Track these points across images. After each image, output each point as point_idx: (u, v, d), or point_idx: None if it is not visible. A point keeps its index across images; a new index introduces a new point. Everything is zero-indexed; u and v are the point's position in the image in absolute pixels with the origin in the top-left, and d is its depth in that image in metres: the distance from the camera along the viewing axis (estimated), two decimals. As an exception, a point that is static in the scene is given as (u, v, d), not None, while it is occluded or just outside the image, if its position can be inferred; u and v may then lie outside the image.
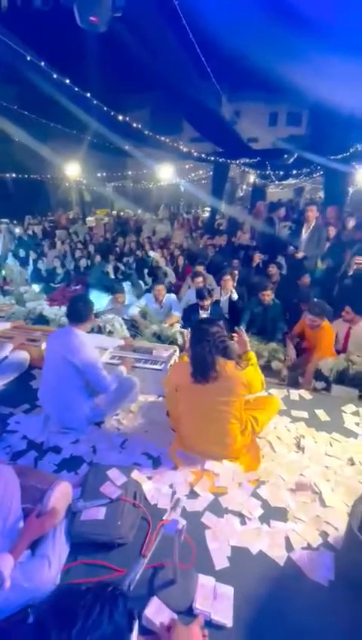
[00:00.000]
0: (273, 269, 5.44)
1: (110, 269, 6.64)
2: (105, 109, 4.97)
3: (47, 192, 17.20)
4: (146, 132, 6.46)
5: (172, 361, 2.91)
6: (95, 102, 4.64)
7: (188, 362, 2.05)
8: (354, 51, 4.15)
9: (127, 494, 1.76)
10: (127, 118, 5.59)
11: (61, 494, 1.66)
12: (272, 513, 1.79)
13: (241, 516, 1.77)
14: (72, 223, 12.55)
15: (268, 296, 4.26)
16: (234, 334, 2.29)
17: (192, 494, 1.89)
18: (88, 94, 4.41)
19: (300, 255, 5.13)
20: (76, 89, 4.23)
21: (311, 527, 1.71)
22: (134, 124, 5.94)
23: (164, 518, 1.57)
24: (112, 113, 5.19)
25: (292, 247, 5.29)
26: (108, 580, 1.41)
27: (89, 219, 15.85)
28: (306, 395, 2.84)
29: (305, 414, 2.57)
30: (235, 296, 4.78)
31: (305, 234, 5.21)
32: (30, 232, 10.72)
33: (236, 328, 2.36)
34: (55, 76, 3.88)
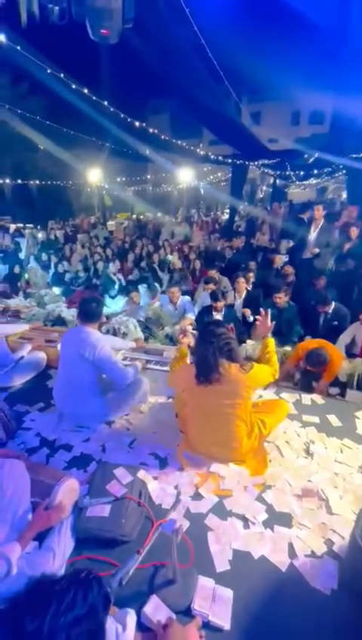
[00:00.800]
0: (289, 269, 5.37)
1: (114, 269, 6.77)
2: (122, 115, 5.09)
3: (69, 198, 17.72)
4: (163, 137, 6.53)
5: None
6: (112, 109, 4.76)
7: (193, 364, 2.07)
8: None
9: (132, 493, 1.79)
10: (144, 125, 5.70)
11: (68, 490, 1.72)
12: (277, 518, 1.76)
13: (245, 520, 1.76)
14: (94, 228, 12.85)
15: (281, 299, 4.20)
16: (258, 317, 2.29)
17: (197, 496, 1.90)
18: (105, 102, 4.53)
19: (316, 251, 5.08)
20: (94, 98, 4.36)
21: (315, 534, 1.68)
22: (151, 130, 6.04)
23: (164, 517, 1.60)
24: (129, 120, 5.30)
25: (312, 247, 5.25)
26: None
27: (110, 223, 16.19)
28: (318, 399, 2.78)
29: (316, 419, 2.52)
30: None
31: (313, 233, 5.16)
32: (52, 237, 11.08)
33: (261, 310, 2.34)
34: (74, 86, 4.02)
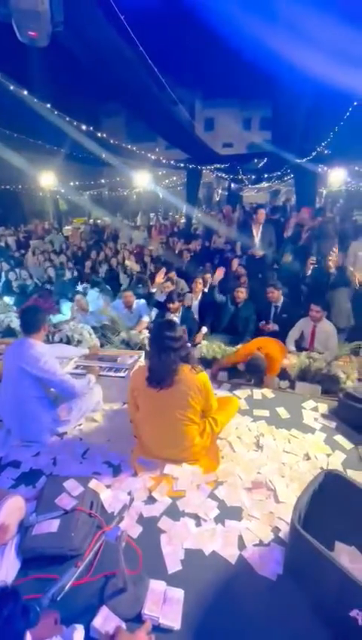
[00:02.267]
0: (241, 270, 5.55)
1: (70, 275, 6.63)
2: (67, 119, 4.98)
3: (21, 203, 16.97)
4: (112, 141, 6.48)
5: (136, 367, 2.92)
6: (56, 112, 4.64)
7: (145, 366, 2.06)
8: (312, 51, 4.27)
9: (83, 504, 1.75)
10: (91, 128, 5.61)
11: (12, 509, 1.64)
12: (228, 513, 1.81)
13: (197, 518, 1.78)
14: (48, 233, 12.41)
15: (242, 293, 4.33)
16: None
17: (150, 500, 1.89)
18: (48, 105, 4.41)
19: (260, 253, 5.35)
20: (35, 100, 4.22)
21: (264, 523, 1.74)
22: (99, 134, 5.97)
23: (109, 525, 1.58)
24: (75, 123, 5.20)
25: (253, 249, 5.53)
26: None
27: (66, 228, 15.72)
28: (269, 393, 2.89)
29: (266, 413, 2.62)
30: (221, 298, 4.82)
31: (256, 235, 5.45)
32: (2, 244, 10.54)
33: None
34: (12, 87, 3.87)
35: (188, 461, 2.09)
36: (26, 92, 3.95)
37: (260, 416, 2.58)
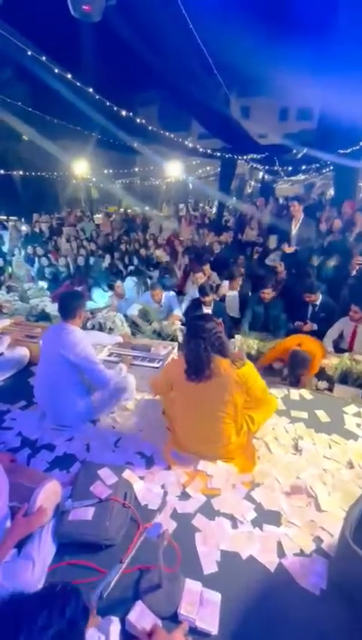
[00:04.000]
0: (279, 267, 5.35)
1: (106, 264, 6.65)
2: (108, 104, 4.92)
3: (55, 190, 17.29)
4: (151, 128, 6.38)
5: (170, 359, 2.87)
6: (98, 97, 4.59)
7: (182, 358, 2.01)
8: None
9: (117, 494, 1.73)
10: (131, 114, 5.54)
11: (49, 493, 1.64)
12: (265, 517, 1.73)
13: (233, 519, 1.72)
14: (80, 221, 12.58)
15: (268, 294, 4.17)
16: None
17: (184, 495, 1.85)
18: (91, 89, 4.36)
19: (290, 250, 5.13)
20: (79, 84, 4.18)
21: (304, 532, 1.65)
22: (138, 120, 5.88)
23: (150, 521, 1.54)
24: (115, 109, 5.13)
25: (285, 243, 5.32)
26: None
27: (97, 216, 15.88)
28: (307, 394, 2.76)
29: (304, 415, 2.50)
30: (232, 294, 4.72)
31: (294, 230, 5.21)
32: (37, 230, 10.79)
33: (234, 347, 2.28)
34: (56, 71, 3.84)
35: (223, 459, 2.03)
36: (70, 75, 3.92)
37: (298, 418, 2.47)
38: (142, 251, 7.61)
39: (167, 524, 1.67)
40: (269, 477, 1.95)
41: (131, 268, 6.21)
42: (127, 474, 1.88)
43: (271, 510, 1.77)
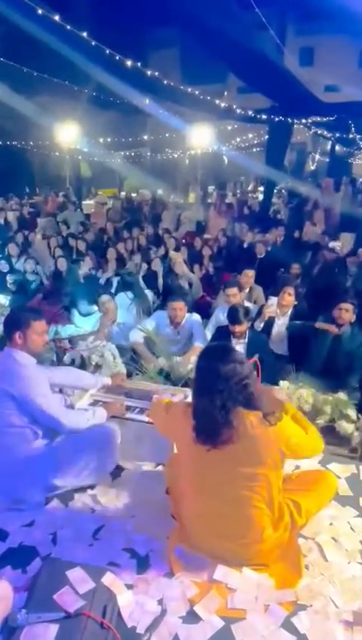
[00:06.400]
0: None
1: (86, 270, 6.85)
2: (107, 52, 5.36)
3: (28, 166, 18.25)
4: (167, 82, 6.81)
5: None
6: (94, 43, 5.03)
7: (189, 407, 2.09)
8: None
9: (92, 608, 1.79)
10: (139, 64, 5.97)
11: (-6, 599, 1.73)
12: (313, 657, 1.74)
13: (264, 658, 1.74)
14: (62, 209, 13.19)
15: (347, 312, 4.18)
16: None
17: (191, 617, 1.88)
18: (85, 34, 4.79)
19: None
20: (69, 27, 4.62)
21: None
22: (149, 72, 6.30)
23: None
24: (118, 57, 5.57)
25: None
26: None
27: (86, 203, 16.57)
28: (387, 474, 2.76)
29: (382, 505, 2.51)
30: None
31: None
32: (1, 221, 11.37)
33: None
34: (40, 12, 4.29)
35: (253, 564, 2.06)
36: (57, 17, 4.35)
37: (371, 510, 2.47)
38: (151, 253, 7.86)
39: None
40: (321, 597, 1.96)
41: (129, 279, 6.39)
42: (108, 579, 1.93)
43: (321, 646, 1.77)
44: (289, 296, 4.78)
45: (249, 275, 5.70)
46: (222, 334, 4.34)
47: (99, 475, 2.69)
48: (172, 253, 7.67)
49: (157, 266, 7.17)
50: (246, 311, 4.30)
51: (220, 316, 4.86)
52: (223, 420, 1.93)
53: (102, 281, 6.97)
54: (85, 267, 7.16)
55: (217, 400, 1.93)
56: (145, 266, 7.46)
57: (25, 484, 2.48)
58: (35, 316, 2.64)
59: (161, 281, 6.97)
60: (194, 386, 2.10)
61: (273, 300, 5.09)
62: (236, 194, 17.56)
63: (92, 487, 2.64)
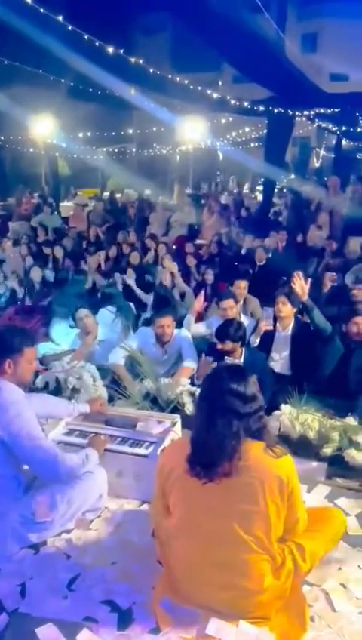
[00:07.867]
0: (359, 292, 5.49)
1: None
2: (86, 37, 5.44)
3: (0, 163, 18.32)
4: (153, 70, 6.91)
5: (167, 442, 2.94)
6: (70, 28, 5.11)
7: (184, 439, 2.08)
8: None
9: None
10: (122, 51, 6.06)
11: None
12: None
13: None
14: (37, 212, 13.24)
15: (357, 333, 4.21)
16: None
17: None
18: (60, 17, 4.87)
19: None
20: (42, 10, 4.70)
21: None
22: (133, 60, 6.39)
23: None
24: (98, 44, 5.65)
25: None
26: None
27: (65, 204, 16.65)
28: None
29: (396, 546, 2.50)
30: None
31: None
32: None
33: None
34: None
35: (251, 617, 2.03)
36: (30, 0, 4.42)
37: (385, 552, 2.46)
38: (133, 257, 7.87)
39: None
40: (329, 653, 1.94)
41: (110, 290, 6.40)
42: (85, 637, 1.92)
43: None
44: (284, 306, 4.63)
45: (241, 285, 5.71)
46: (214, 351, 4.31)
47: (81, 521, 2.66)
48: (166, 262, 7.68)
49: (131, 275, 7.15)
50: (238, 328, 4.20)
51: (211, 327, 4.85)
52: (231, 449, 1.92)
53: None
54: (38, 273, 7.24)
55: (233, 426, 1.92)
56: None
57: None
58: (28, 342, 2.60)
59: (137, 292, 6.94)
60: (199, 407, 2.11)
61: (268, 311, 5.10)
62: (232, 193, 17.75)
63: (67, 529, 2.61)
